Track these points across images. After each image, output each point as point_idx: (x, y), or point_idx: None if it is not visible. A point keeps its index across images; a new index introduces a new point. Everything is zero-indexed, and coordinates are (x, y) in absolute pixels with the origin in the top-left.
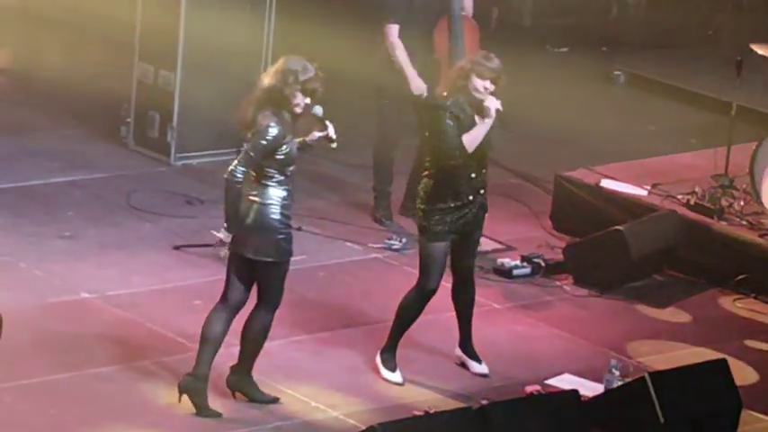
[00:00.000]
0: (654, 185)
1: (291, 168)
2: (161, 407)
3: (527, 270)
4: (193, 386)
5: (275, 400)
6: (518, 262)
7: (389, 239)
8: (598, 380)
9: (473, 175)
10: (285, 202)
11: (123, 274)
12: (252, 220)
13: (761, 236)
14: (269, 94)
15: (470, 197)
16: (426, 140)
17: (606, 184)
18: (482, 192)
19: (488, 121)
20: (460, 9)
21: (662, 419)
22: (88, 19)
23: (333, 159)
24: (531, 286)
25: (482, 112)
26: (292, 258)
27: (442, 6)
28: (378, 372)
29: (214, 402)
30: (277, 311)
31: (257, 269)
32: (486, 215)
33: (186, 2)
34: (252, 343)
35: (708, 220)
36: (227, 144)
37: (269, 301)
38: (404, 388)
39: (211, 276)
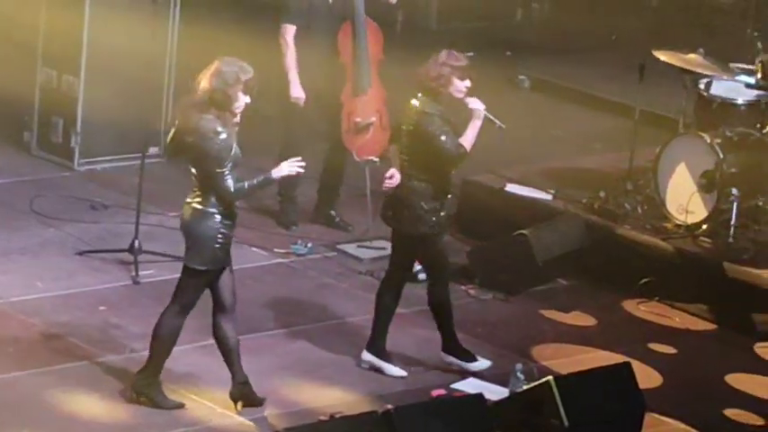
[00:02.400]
0: (558, 190)
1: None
2: (65, 413)
3: None
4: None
5: (180, 406)
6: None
7: (295, 244)
8: (503, 384)
9: (452, 174)
10: (225, 211)
11: (27, 280)
12: (191, 227)
13: (664, 239)
14: (212, 97)
15: (449, 195)
16: (417, 147)
17: (511, 188)
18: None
19: (478, 123)
20: (364, 12)
21: (566, 423)
22: None
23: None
24: None
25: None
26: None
27: (345, 10)
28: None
29: (116, 409)
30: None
31: (183, 270)
32: None
33: (90, 7)
34: (160, 346)
35: (612, 223)
36: (130, 149)
37: (180, 304)
38: (310, 393)
39: (116, 282)
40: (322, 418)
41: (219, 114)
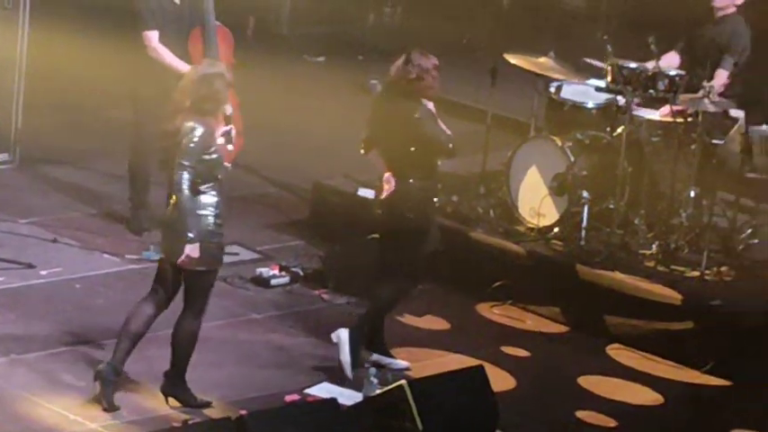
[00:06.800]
0: None
1: (220, 173)
2: None
3: (285, 279)
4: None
5: (207, 405)
6: (276, 271)
7: (146, 250)
8: (357, 388)
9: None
10: (217, 210)
11: None
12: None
13: (516, 242)
14: (202, 103)
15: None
16: (411, 148)
17: (363, 192)
18: None
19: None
20: (214, 17)
21: (420, 426)
22: None
23: (89, 170)
24: (289, 295)
25: None
26: (49, 271)
27: (195, 16)
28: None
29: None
30: (38, 325)
31: (187, 276)
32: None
33: None
34: (181, 349)
35: (465, 227)
36: None
37: (196, 307)
38: (164, 399)
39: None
40: (175, 424)
41: (200, 118)
